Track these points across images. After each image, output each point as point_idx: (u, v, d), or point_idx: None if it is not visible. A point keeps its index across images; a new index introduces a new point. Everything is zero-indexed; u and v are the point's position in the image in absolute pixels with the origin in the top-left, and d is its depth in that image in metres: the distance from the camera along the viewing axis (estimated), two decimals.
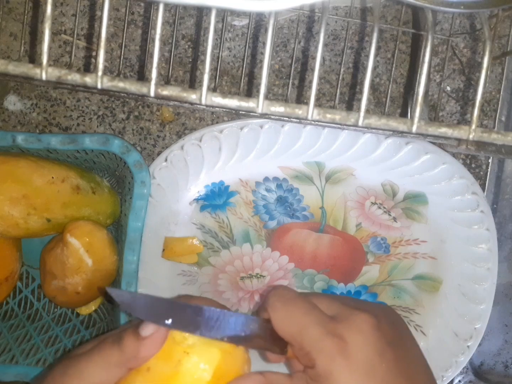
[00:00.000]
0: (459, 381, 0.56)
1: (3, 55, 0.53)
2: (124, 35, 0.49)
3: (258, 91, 0.29)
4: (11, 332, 0.50)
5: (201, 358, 0.33)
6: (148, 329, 0.33)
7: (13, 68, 0.27)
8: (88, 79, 0.27)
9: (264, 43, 0.52)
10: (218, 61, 0.50)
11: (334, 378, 0.33)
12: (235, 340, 0.35)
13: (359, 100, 0.43)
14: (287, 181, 0.52)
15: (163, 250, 0.51)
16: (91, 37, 0.53)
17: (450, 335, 0.52)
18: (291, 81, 0.48)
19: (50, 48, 0.27)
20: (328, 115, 0.28)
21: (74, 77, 0.27)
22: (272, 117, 0.47)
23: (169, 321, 0.33)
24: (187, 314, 0.33)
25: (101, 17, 0.27)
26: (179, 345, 0.34)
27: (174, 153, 0.50)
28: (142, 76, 0.53)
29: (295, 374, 0.36)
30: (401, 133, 0.46)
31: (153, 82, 0.27)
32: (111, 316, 0.50)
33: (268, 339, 0.35)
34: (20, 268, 0.52)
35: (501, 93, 0.53)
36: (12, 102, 0.53)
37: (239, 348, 0.35)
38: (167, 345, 0.34)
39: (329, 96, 0.54)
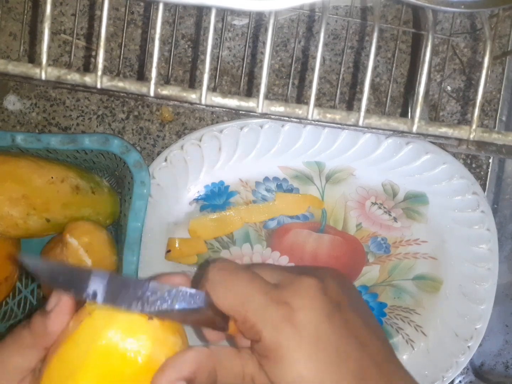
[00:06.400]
0: (460, 381, 0.56)
1: (2, 54, 0.53)
2: (124, 34, 0.49)
3: (258, 91, 0.28)
4: None
5: (104, 320, 0.30)
6: (51, 303, 0.31)
7: (12, 67, 0.27)
8: (88, 79, 0.27)
9: (264, 43, 0.52)
10: (218, 61, 0.50)
11: (282, 349, 0.31)
12: (170, 315, 0.31)
13: (360, 100, 0.42)
14: (287, 181, 0.52)
15: (169, 251, 0.51)
16: (90, 36, 0.53)
17: (451, 335, 0.52)
18: (291, 80, 0.48)
19: (49, 47, 0.27)
20: (328, 115, 0.28)
21: (74, 77, 0.27)
22: (272, 117, 0.47)
23: (92, 292, 0.29)
24: (114, 285, 0.30)
25: (100, 17, 0.27)
26: (86, 308, 0.31)
27: (174, 153, 0.50)
28: (141, 75, 0.52)
29: (242, 350, 0.33)
30: (401, 133, 0.46)
31: (152, 81, 0.27)
32: None
33: (207, 315, 0.32)
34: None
35: (502, 93, 0.53)
36: (12, 102, 0.53)
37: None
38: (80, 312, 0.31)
39: (329, 96, 0.54)
